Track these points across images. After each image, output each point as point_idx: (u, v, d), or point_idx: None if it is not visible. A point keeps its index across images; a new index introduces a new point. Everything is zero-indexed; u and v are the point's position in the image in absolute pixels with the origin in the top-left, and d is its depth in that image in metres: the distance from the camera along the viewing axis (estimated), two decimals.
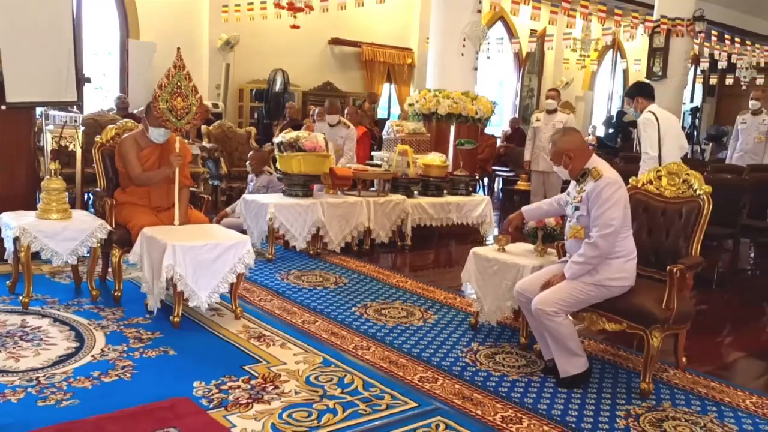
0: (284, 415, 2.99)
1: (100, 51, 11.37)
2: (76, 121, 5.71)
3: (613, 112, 17.90)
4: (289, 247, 6.15)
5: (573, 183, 3.72)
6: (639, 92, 5.82)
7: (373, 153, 7.76)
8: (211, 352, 3.70)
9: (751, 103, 8.30)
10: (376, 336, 4.11)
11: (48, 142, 5.59)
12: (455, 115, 7.92)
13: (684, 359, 3.84)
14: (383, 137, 7.75)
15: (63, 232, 4.21)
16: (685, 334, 3.79)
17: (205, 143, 9.00)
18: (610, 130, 14.50)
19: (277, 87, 10.23)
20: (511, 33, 16.08)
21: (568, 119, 7.63)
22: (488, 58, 12.31)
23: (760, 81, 17.46)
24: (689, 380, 3.72)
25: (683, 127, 13.62)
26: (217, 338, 3.93)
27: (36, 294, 4.34)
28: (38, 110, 5.68)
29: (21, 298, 4.18)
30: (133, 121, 5.08)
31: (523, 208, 4.17)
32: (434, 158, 6.94)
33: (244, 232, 5.89)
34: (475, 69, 8.16)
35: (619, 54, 18.73)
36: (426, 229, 6.89)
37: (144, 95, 11.49)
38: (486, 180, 11.92)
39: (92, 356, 3.52)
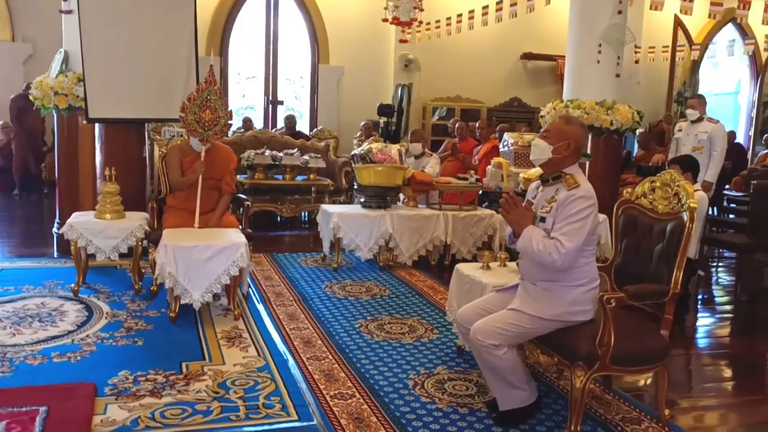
0: (158, 411, 3.05)
1: (294, 76, 12.45)
2: (181, 135, 6.36)
3: None
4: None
5: (539, 189, 3.19)
6: None
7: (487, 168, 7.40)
8: (171, 347, 3.89)
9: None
10: (346, 349, 3.97)
11: (155, 155, 6.32)
12: (587, 126, 7.23)
13: (667, 411, 3.10)
14: (500, 150, 7.36)
15: (105, 231, 4.77)
16: (666, 378, 3.07)
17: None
18: None
19: (399, 101, 10.30)
20: (745, 33, 14.10)
21: (713, 129, 6.52)
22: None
23: None
24: None
25: None
26: (195, 335, 4.12)
27: (96, 284, 5.00)
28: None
29: (72, 285, 4.82)
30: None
31: None
32: (534, 172, 6.40)
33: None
34: (617, 76, 7.36)
35: None
36: None
37: (330, 115, 12.39)
38: None
39: (72, 339, 3.93)
